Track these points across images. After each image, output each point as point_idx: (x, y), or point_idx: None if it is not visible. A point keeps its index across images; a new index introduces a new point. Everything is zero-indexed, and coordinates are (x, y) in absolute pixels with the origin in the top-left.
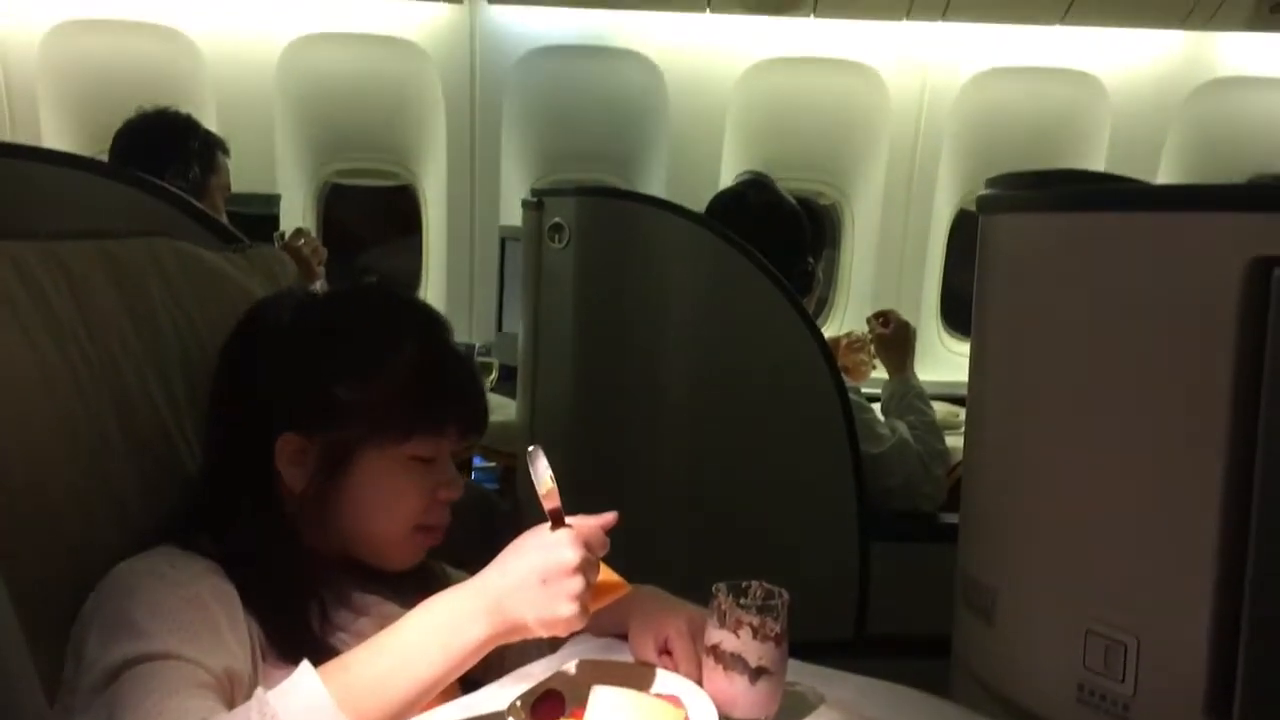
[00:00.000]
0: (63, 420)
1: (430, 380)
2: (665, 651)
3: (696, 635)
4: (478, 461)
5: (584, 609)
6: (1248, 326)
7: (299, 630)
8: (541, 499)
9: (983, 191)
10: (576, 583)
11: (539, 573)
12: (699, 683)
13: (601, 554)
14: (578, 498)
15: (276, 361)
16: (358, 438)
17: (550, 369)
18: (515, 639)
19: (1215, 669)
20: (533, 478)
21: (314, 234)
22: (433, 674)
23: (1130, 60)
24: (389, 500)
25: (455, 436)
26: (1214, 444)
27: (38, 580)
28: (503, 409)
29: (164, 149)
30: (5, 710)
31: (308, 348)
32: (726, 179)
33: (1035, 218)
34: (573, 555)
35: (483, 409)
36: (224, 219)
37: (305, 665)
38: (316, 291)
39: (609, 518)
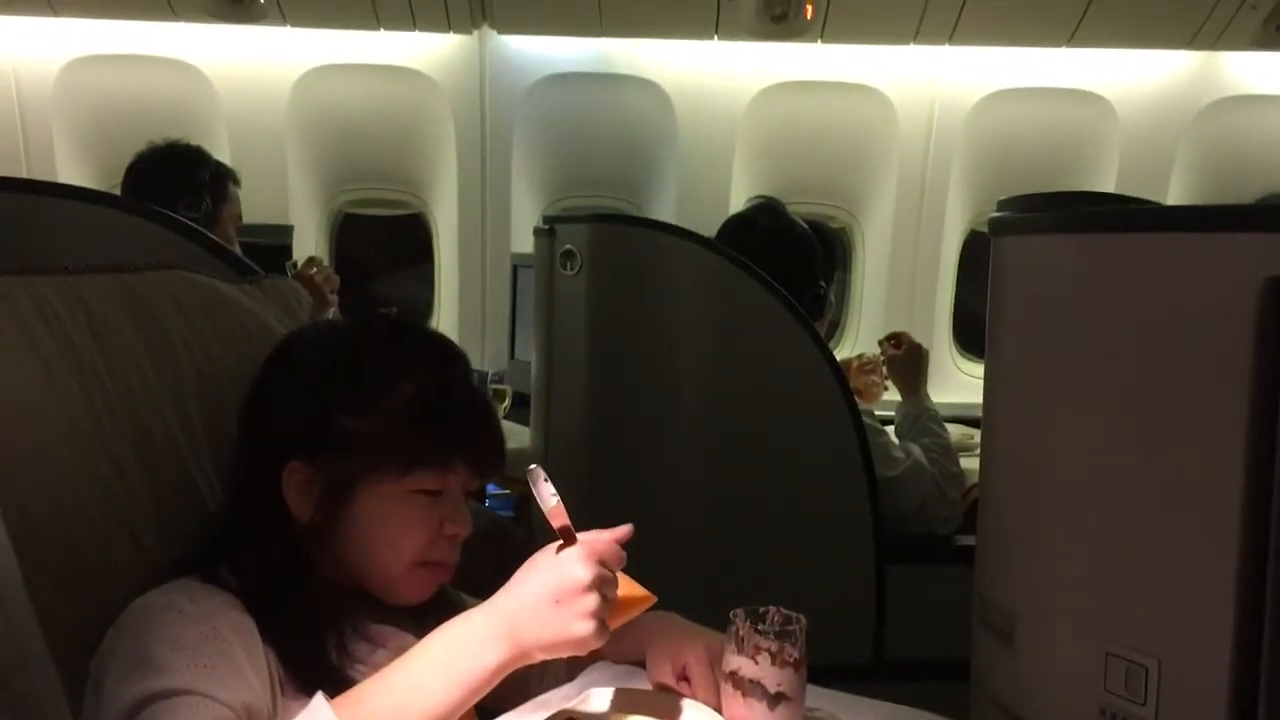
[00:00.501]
0: (80, 453)
1: (434, 414)
2: (683, 678)
3: (714, 661)
4: (492, 489)
5: (601, 627)
6: (1263, 346)
7: (316, 662)
8: (547, 517)
9: (994, 213)
10: (591, 600)
11: (551, 593)
12: (718, 709)
13: (618, 568)
14: (592, 524)
15: (289, 389)
16: (359, 468)
17: (563, 396)
18: (530, 662)
19: (1237, 691)
20: (536, 498)
21: (326, 263)
22: (447, 702)
23: (1138, 80)
24: (391, 534)
25: (464, 473)
26: (1232, 463)
27: (54, 611)
28: (516, 436)
29: (175, 181)
30: None
31: (317, 375)
32: (736, 204)
33: (1048, 239)
34: (584, 572)
35: (495, 447)
36: (237, 250)
37: (319, 698)
38: (338, 321)
39: (623, 531)
